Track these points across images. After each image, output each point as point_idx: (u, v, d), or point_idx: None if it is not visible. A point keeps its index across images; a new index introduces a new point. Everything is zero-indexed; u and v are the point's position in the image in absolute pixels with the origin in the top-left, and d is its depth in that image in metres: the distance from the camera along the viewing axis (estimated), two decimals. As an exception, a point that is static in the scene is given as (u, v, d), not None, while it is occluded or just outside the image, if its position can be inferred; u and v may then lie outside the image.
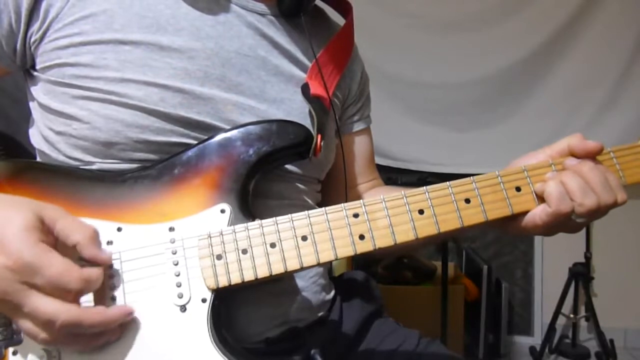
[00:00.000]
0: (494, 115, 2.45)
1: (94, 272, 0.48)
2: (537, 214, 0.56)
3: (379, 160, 2.68)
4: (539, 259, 2.56)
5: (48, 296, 0.45)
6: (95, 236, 0.50)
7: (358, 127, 0.84)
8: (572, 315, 2.37)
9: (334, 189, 0.80)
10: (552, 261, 2.54)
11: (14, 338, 0.50)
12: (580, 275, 2.27)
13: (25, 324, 0.46)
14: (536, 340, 2.50)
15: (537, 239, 2.56)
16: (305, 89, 0.68)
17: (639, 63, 2.32)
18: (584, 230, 2.43)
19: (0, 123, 0.81)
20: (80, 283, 0.46)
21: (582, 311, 2.39)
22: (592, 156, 0.57)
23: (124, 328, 0.51)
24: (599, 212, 0.55)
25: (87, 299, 0.50)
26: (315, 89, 0.68)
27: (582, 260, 2.35)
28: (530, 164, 0.58)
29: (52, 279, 0.44)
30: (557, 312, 2.25)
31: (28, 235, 0.45)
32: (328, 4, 0.80)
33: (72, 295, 0.46)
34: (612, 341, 2.24)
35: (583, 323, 2.52)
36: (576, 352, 2.37)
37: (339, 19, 0.82)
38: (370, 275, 0.88)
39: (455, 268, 2.30)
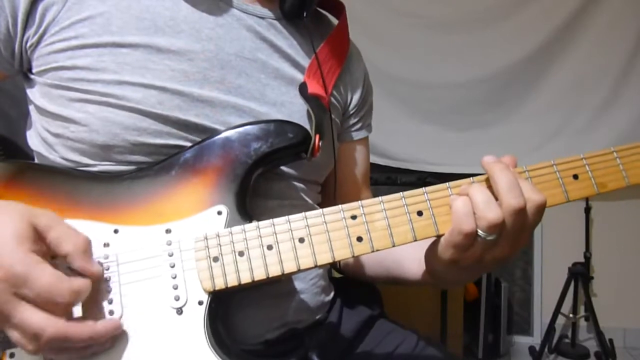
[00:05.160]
0: (494, 114, 2.44)
1: (83, 284, 0.47)
2: (444, 236, 0.53)
3: (379, 160, 2.67)
4: (538, 258, 2.56)
5: (37, 308, 0.44)
6: (86, 247, 0.49)
7: (359, 135, 0.83)
8: (571, 315, 2.37)
9: (329, 196, 0.79)
10: (552, 261, 2.53)
11: (10, 341, 0.49)
12: (580, 275, 2.27)
13: (14, 334, 0.45)
14: (536, 340, 2.50)
15: (537, 239, 2.55)
16: (303, 87, 0.67)
17: None
18: (583, 230, 2.43)
19: (0, 123, 0.80)
20: (69, 296, 0.45)
21: (582, 311, 2.39)
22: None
23: (118, 335, 0.50)
24: (506, 222, 0.50)
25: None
26: (313, 88, 0.67)
27: (582, 260, 2.35)
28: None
29: (41, 292, 0.44)
30: (557, 311, 2.25)
31: (19, 245, 0.44)
32: (320, 7, 0.79)
33: (61, 308, 0.45)
34: (611, 341, 2.24)
35: (582, 323, 2.52)
36: (575, 351, 2.37)
37: (336, 21, 0.81)
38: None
39: (454, 268, 2.30)
